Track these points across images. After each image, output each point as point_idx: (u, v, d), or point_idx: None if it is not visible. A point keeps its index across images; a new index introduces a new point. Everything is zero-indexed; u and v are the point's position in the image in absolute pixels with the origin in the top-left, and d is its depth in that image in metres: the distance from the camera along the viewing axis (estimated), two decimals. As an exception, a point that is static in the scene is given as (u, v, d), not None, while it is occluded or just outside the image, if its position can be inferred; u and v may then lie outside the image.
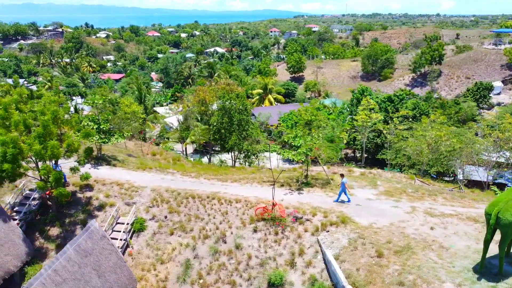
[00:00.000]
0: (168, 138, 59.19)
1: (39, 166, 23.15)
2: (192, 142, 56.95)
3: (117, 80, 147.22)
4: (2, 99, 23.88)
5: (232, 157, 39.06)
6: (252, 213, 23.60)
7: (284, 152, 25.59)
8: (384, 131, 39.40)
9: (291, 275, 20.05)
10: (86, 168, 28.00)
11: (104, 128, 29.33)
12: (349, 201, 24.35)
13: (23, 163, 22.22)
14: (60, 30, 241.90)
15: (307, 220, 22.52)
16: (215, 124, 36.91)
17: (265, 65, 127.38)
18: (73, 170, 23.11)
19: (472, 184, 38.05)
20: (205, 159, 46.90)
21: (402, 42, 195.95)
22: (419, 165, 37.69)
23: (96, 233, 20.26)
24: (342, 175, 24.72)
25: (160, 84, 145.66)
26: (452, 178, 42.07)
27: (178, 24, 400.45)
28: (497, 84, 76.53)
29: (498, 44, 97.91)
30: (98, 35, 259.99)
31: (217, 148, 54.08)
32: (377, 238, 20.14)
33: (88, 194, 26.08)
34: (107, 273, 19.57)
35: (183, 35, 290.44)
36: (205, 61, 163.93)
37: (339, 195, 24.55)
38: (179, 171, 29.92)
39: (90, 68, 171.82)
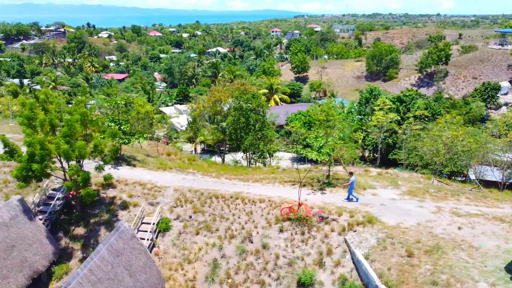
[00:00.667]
0: (176, 138, 59.35)
1: (64, 166, 23.28)
2: (201, 142, 57.17)
3: (120, 80, 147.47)
4: (27, 99, 23.95)
5: (247, 157, 39.13)
6: (277, 213, 23.68)
7: (308, 152, 25.66)
8: (399, 131, 39.50)
9: (320, 274, 20.14)
10: (106, 168, 27.91)
11: (124, 129, 29.41)
12: (347, 198, 24.74)
13: (49, 163, 22.28)
14: (62, 30, 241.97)
15: (333, 220, 22.61)
16: (231, 124, 36.98)
17: (270, 65, 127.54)
18: (98, 169, 23.14)
19: (485, 184, 38.15)
20: (217, 159, 46.99)
21: (404, 42, 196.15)
22: (433, 165, 37.81)
23: (126, 233, 20.37)
24: (351, 173, 25.05)
25: (164, 84, 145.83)
26: (463, 178, 42.18)
27: (179, 24, 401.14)
28: (505, 84, 76.66)
29: (504, 44, 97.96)
30: (100, 35, 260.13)
31: (222, 148, 54.35)
32: (405, 238, 20.23)
33: (111, 194, 26.15)
34: (137, 273, 19.67)
35: (185, 35, 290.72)
36: (208, 61, 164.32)
37: (353, 194, 24.90)
38: (199, 171, 30.01)
39: (93, 68, 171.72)
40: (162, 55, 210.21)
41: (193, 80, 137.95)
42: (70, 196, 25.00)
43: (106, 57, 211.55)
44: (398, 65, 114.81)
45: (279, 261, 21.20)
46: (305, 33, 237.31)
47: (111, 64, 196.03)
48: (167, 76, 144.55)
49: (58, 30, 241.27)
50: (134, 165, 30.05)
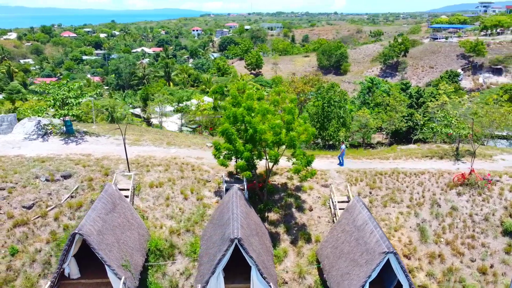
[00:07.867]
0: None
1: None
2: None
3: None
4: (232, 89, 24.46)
5: (324, 144, 41.76)
6: (445, 181, 27.27)
7: (446, 128, 29.97)
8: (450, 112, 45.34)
9: (517, 223, 24.24)
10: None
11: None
12: (341, 164, 29.68)
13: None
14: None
15: (497, 181, 26.90)
16: (314, 114, 39.39)
17: (224, 63, 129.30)
18: (298, 156, 24.36)
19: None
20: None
21: (330, 38, 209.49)
22: (467, 141, 44.38)
23: (356, 208, 22.36)
24: (342, 142, 32.07)
25: (106, 87, 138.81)
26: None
27: (84, 24, 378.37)
28: (459, 71, 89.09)
29: (447, 38, 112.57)
30: (6, 36, 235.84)
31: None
32: None
33: (281, 180, 27.43)
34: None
35: (102, 35, 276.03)
36: (139, 62, 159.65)
37: (340, 158, 29.88)
38: (328, 154, 32.26)
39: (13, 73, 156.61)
40: (84, 57, 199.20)
41: (144, 80, 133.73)
42: (258, 187, 25.80)
43: (21, 61, 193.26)
44: (347, 59, 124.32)
45: (474, 218, 24.85)
46: (234, 31, 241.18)
47: (32, 68, 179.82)
48: (115, 77, 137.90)
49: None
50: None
